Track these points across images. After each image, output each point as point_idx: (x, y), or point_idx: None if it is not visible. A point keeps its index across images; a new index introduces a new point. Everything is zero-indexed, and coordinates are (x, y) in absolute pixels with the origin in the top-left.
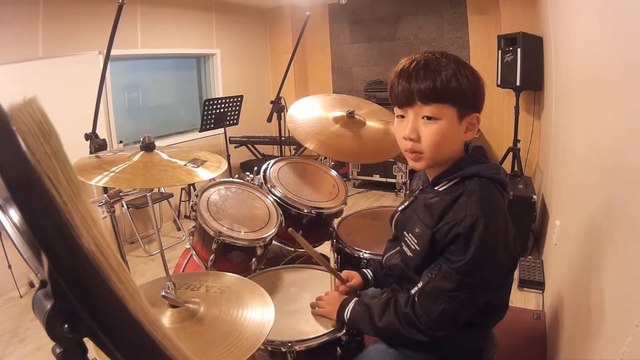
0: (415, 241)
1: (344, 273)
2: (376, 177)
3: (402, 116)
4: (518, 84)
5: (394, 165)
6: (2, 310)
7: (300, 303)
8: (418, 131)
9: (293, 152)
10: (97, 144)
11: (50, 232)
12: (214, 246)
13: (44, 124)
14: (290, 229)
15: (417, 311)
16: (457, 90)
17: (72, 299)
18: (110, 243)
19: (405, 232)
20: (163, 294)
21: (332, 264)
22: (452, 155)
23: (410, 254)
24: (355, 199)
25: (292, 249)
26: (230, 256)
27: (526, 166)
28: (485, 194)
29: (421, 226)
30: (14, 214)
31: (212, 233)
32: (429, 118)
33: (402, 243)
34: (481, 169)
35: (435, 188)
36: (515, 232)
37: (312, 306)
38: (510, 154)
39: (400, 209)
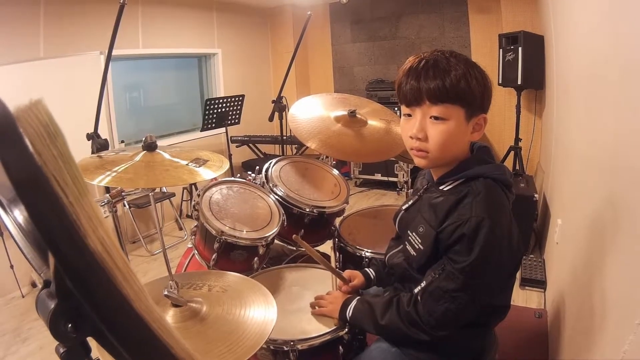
0: (419, 241)
1: (347, 272)
2: (378, 176)
3: (409, 115)
4: (519, 82)
5: (396, 164)
6: (4, 310)
7: (303, 302)
8: (425, 130)
9: (295, 151)
10: (98, 144)
11: (57, 232)
12: (216, 245)
13: (50, 126)
14: (294, 236)
15: (419, 310)
16: (466, 91)
17: (78, 297)
18: (115, 242)
19: (409, 232)
20: (166, 293)
21: (333, 263)
22: (458, 155)
23: (414, 253)
24: (356, 198)
25: (294, 248)
26: (232, 255)
27: (527, 165)
28: (491, 195)
29: (425, 226)
30: (19, 214)
31: (214, 232)
32: (436, 118)
33: (406, 242)
34: (486, 169)
35: (440, 188)
36: (518, 233)
37: (312, 306)
38: (512, 152)
39: (404, 207)
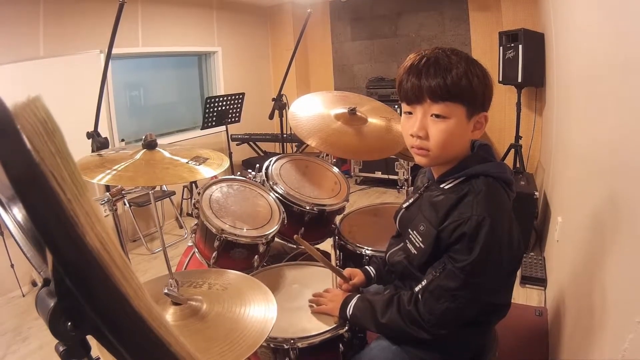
0: (420, 239)
1: (347, 271)
2: (378, 174)
3: (410, 113)
4: (519, 80)
5: (396, 162)
6: (4, 309)
7: (303, 300)
8: (426, 129)
9: (295, 149)
10: (99, 143)
11: (55, 229)
12: (216, 243)
13: (48, 123)
14: (296, 236)
15: (420, 309)
16: (468, 89)
17: (77, 295)
18: (114, 240)
19: (409, 230)
20: (166, 291)
21: (334, 261)
22: (458, 154)
23: (415, 251)
24: (357, 196)
25: (295, 246)
26: (232, 253)
27: (528, 163)
28: (492, 193)
29: (426, 224)
30: (18, 212)
31: (214, 230)
32: (437, 116)
33: (407, 240)
34: (487, 167)
35: (441, 186)
36: (519, 232)
37: (311, 302)
38: (512, 150)
39: (404, 205)
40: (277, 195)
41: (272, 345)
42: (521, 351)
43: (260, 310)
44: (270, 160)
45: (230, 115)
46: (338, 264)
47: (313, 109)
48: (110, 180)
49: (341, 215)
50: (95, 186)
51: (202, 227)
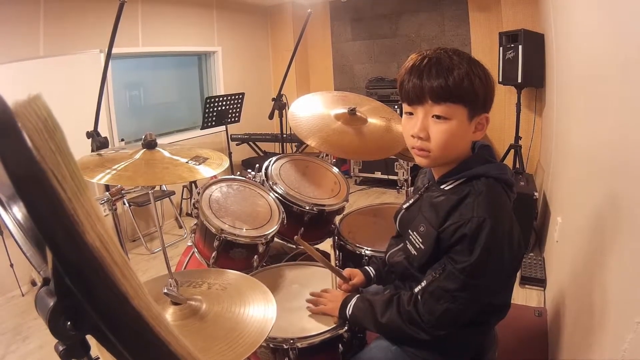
0: (420, 240)
1: (347, 271)
2: (378, 174)
3: (411, 113)
4: (519, 80)
5: (396, 163)
6: (4, 308)
7: (302, 300)
8: (427, 130)
9: (294, 149)
10: (98, 142)
11: (56, 227)
12: (215, 243)
13: (49, 121)
14: (296, 237)
15: (419, 310)
16: (469, 90)
17: (76, 294)
18: (114, 239)
19: (409, 231)
20: (165, 291)
21: (333, 262)
22: (459, 155)
23: (415, 252)
24: (356, 196)
25: (294, 246)
26: (232, 253)
27: (527, 163)
28: (492, 195)
29: (426, 225)
30: (17, 211)
31: (214, 230)
32: (438, 117)
33: (407, 241)
34: (488, 169)
35: (442, 187)
36: (519, 233)
37: (309, 302)
38: (512, 151)
39: (405, 206)
40: (276, 195)
41: (271, 345)
42: (521, 351)
43: (260, 310)
44: (270, 160)
45: (230, 115)
46: (337, 264)
47: (313, 109)
48: (109, 180)
49: (341, 216)
50: (95, 186)
51: (201, 227)
